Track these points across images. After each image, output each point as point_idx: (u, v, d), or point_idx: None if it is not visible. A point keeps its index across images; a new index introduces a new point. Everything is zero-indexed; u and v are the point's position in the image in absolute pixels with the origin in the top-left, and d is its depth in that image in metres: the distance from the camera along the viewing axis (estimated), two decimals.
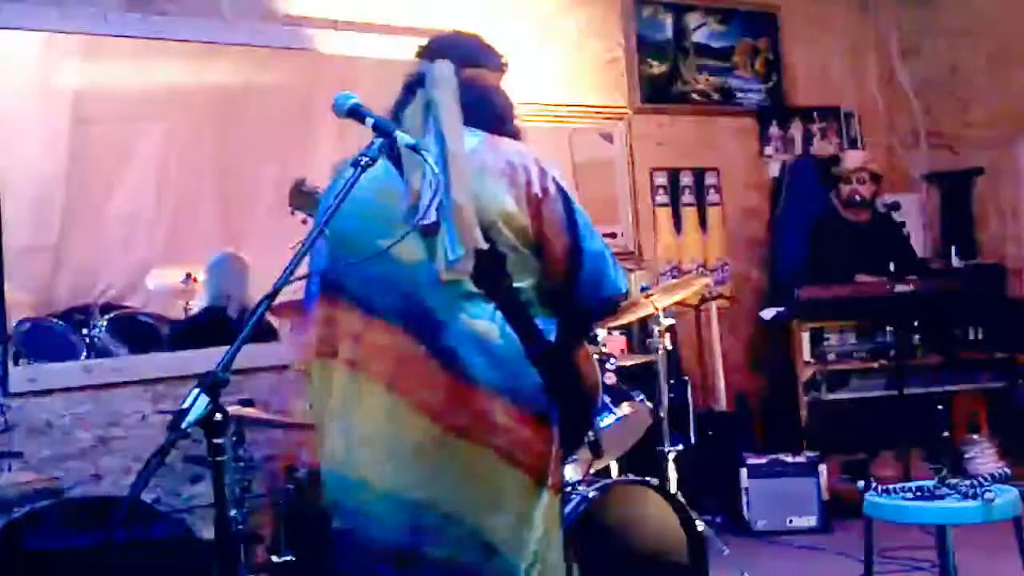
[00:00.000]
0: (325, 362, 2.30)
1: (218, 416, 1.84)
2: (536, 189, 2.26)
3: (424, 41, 2.47)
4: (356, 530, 2.26)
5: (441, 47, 2.41)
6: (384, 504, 2.23)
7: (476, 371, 2.20)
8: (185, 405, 1.81)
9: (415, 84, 2.36)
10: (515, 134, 2.40)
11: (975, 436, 5.59)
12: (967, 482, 3.19)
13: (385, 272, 2.23)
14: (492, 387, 2.20)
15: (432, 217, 2.18)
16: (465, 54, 2.40)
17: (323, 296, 2.31)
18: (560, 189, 2.30)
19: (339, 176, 2.36)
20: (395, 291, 2.24)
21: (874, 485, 3.35)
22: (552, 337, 2.30)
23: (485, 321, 2.23)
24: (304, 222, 3.11)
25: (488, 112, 2.36)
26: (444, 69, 2.33)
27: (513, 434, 2.21)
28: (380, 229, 2.22)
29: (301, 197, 3.10)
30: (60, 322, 4.42)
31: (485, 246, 2.20)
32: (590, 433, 3.42)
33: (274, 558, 3.56)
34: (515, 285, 2.26)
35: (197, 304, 4.63)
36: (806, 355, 5.46)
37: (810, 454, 5.10)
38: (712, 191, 6.06)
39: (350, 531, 2.27)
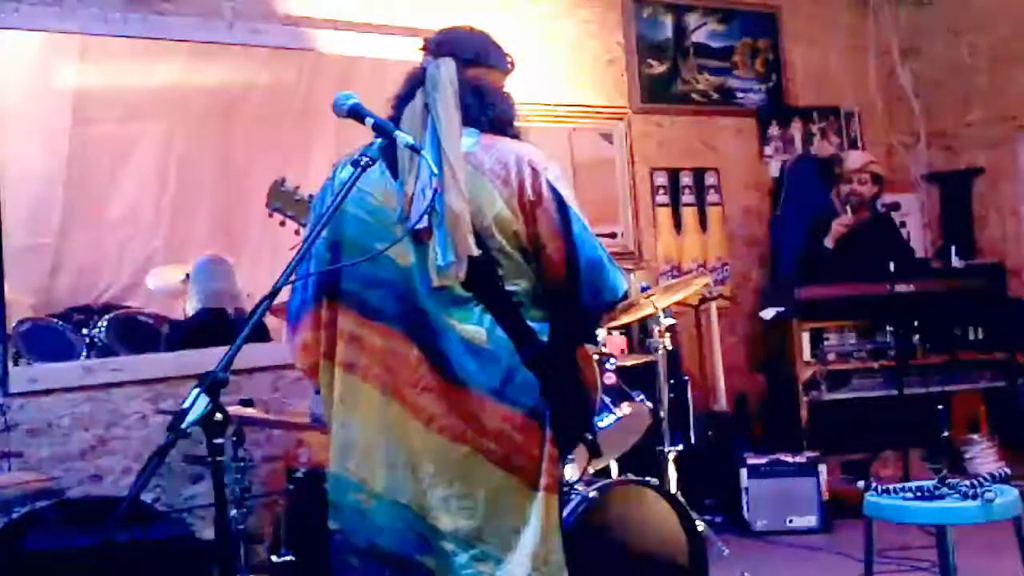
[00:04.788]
0: (328, 364, 2.31)
1: (218, 416, 1.84)
2: (529, 193, 2.24)
3: (431, 35, 2.42)
4: (350, 531, 2.26)
5: (447, 43, 2.36)
6: (380, 508, 2.23)
7: (466, 374, 2.20)
8: (185, 405, 1.81)
9: (418, 80, 2.33)
10: (516, 136, 2.37)
11: (975, 436, 5.59)
12: (967, 482, 3.18)
13: (383, 275, 2.23)
14: (482, 390, 2.20)
15: (424, 223, 2.17)
16: (471, 52, 2.35)
17: (325, 298, 2.31)
18: (554, 192, 2.26)
19: (333, 177, 2.35)
20: (392, 294, 2.24)
21: (874, 485, 3.34)
22: (546, 338, 2.28)
23: (472, 325, 2.22)
24: (283, 223, 3.06)
25: (490, 113, 2.32)
26: (446, 68, 2.29)
27: (504, 437, 2.21)
28: (381, 231, 2.22)
29: (279, 197, 3.06)
30: (60, 322, 4.42)
31: (477, 253, 2.18)
32: (588, 433, 3.41)
33: (274, 558, 3.55)
34: (508, 288, 2.24)
35: (190, 308, 4.62)
36: (806, 355, 5.46)
37: (810, 454, 5.10)
38: (712, 191, 6.05)
39: (344, 532, 2.27)
